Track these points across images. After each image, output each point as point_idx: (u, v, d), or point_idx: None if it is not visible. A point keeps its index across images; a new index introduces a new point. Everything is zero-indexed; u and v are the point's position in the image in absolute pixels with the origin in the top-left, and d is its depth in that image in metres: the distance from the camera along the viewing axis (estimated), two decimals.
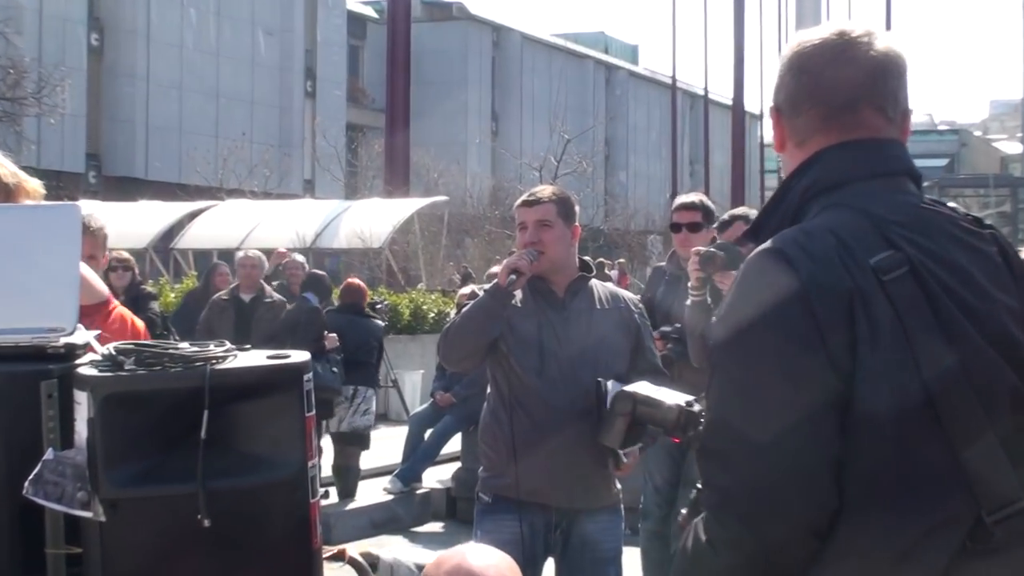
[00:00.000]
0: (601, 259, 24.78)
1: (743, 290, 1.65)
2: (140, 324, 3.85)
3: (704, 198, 5.24)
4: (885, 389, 1.57)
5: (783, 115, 1.78)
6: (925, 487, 1.56)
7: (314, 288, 8.84)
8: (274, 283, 10.20)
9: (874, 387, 1.57)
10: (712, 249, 4.31)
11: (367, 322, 8.92)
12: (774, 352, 1.59)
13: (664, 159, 48.79)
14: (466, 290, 8.38)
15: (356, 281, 9.48)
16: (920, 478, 1.56)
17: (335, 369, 8.32)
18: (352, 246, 18.64)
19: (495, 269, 9.21)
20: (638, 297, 4.11)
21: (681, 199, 5.22)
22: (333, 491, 8.69)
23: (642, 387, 2.02)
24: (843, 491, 1.56)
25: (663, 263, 5.58)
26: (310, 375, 2.12)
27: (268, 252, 10.87)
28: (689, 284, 4.41)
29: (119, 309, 3.83)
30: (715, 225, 4.99)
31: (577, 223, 3.87)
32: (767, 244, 1.66)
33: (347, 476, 8.72)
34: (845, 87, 1.72)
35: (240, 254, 8.88)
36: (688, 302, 4.46)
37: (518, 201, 3.88)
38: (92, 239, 3.88)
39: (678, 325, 4.97)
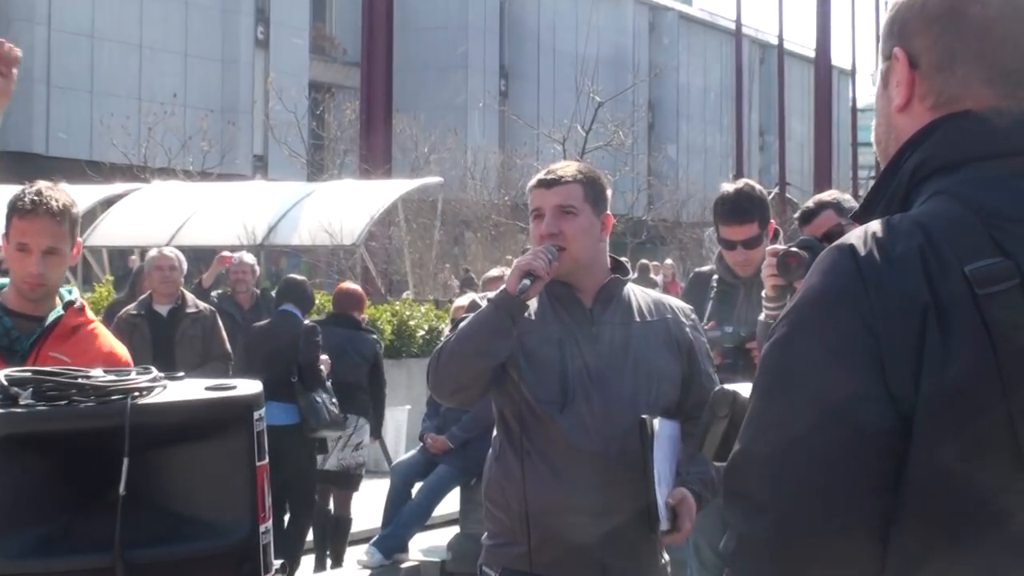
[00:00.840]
0: (645, 260, 24.78)
1: (801, 293, 1.71)
2: (123, 353, 3.74)
3: (754, 188, 5.21)
4: (954, 439, 1.57)
5: (920, 68, 1.79)
6: (998, 565, 1.57)
7: (295, 298, 8.94)
8: (215, 292, 10.24)
9: (940, 434, 1.57)
10: (794, 248, 4.28)
11: (360, 337, 9.19)
12: (813, 375, 1.63)
13: (726, 128, 48.78)
14: (465, 300, 8.38)
15: (352, 286, 9.73)
16: (994, 556, 1.57)
17: (334, 400, 8.65)
18: (317, 243, 18.66)
19: (495, 272, 9.28)
20: (689, 306, 4.11)
21: (727, 202, 5.14)
22: (310, 560, 8.74)
23: (741, 387, 2.11)
24: (887, 558, 1.59)
25: (706, 267, 5.58)
26: (262, 411, 2.13)
27: (208, 251, 10.89)
28: (763, 294, 4.40)
29: (97, 328, 3.72)
30: (796, 215, 4.99)
31: (610, 211, 3.87)
32: (844, 238, 1.71)
33: (336, 530, 8.92)
34: (1022, 45, 1.75)
35: (152, 252, 8.89)
36: (761, 317, 4.45)
37: (532, 181, 3.88)
38: (66, 223, 3.57)
39: (728, 331, 5.01)
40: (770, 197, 5.48)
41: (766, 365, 1.70)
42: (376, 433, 9.41)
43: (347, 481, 9.05)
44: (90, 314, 3.73)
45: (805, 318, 1.67)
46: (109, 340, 3.72)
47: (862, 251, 1.66)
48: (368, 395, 9.22)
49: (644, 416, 3.64)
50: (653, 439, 3.62)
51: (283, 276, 22.92)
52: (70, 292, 3.73)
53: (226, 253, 10.42)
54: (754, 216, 5.10)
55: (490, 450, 3.88)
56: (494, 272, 8.92)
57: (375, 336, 9.63)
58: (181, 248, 9.52)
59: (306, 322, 8.88)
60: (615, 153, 27.84)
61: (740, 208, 5.11)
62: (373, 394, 9.27)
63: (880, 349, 1.60)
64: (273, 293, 10.42)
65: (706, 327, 5.04)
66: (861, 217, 1.78)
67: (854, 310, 1.63)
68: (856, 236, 1.68)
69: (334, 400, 8.64)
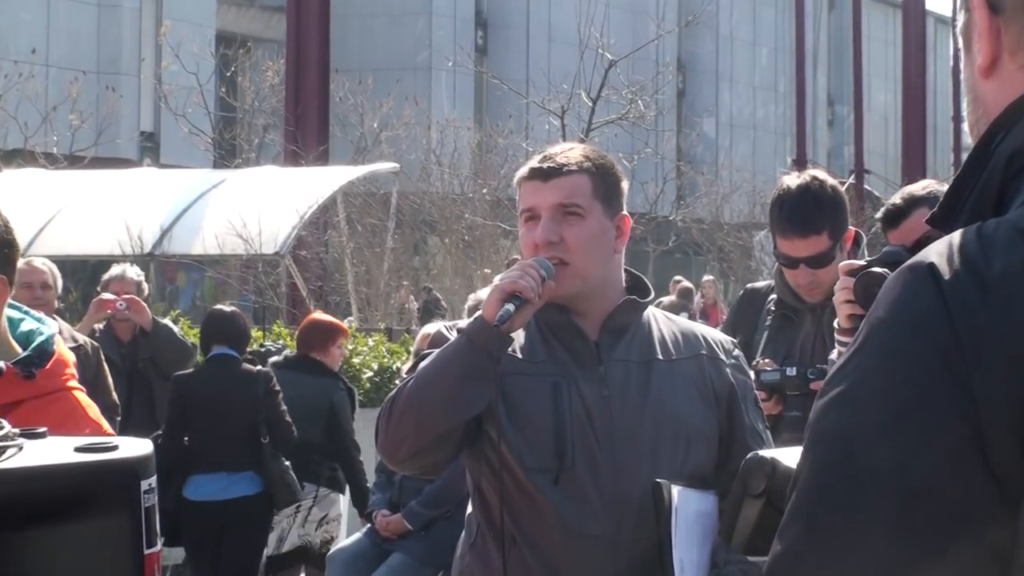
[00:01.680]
0: (683, 280, 24.69)
1: (863, 333, 1.67)
2: (102, 423, 3.56)
3: (824, 184, 5.17)
4: None
5: (1005, 11, 1.75)
6: None
7: (229, 337, 9.24)
8: (97, 327, 10.23)
9: None
10: (875, 269, 4.30)
11: (325, 383, 9.59)
12: (883, 450, 1.61)
13: (783, 95, 48.87)
14: (431, 328, 8.40)
15: (323, 318, 10.25)
16: None
17: (287, 462, 9.05)
18: (227, 252, 18.63)
19: (484, 293, 9.28)
20: (730, 338, 4.12)
21: (786, 205, 5.13)
22: None
23: (783, 453, 2.09)
24: None
25: (762, 282, 5.60)
26: (152, 481, 2.14)
27: (78, 263, 10.83)
28: (835, 324, 4.42)
29: (67, 397, 3.44)
30: (878, 216, 5.00)
31: (625, 210, 3.89)
32: (919, 255, 1.67)
33: None
34: None
35: (20, 263, 8.91)
36: (833, 355, 4.47)
37: (523, 171, 3.90)
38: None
39: (791, 372, 5.02)
40: (843, 190, 5.47)
41: (818, 433, 1.67)
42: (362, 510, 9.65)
43: (307, 559, 9.54)
44: (67, 377, 3.45)
45: (869, 368, 1.65)
46: (81, 411, 3.43)
47: (945, 272, 1.63)
48: (328, 458, 9.55)
49: (659, 480, 3.64)
50: (673, 513, 3.62)
51: (175, 293, 22.75)
52: (39, 340, 3.45)
53: (107, 296, 10.21)
54: (823, 224, 5.08)
55: (463, 533, 3.89)
56: (482, 294, 8.99)
57: (339, 382, 9.83)
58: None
59: (259, 367, 9.20)
60: (633, 130, 27.88)
61: (803, 214, 5.08)
62: (340, 459, 9.56)
63: (976, 410, 1.58)
64: (166, 321, 10.44)
65: (761, 364, 5.05)
66: (943, 222, 1.75)
67: (937, 356, 1.60)
68: (937, 252, 1.65)
69: (286, 461, 9.02)
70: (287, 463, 8.94)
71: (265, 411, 8.86)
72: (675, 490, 3.65)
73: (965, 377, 1.59)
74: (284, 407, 8.93)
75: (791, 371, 5.08)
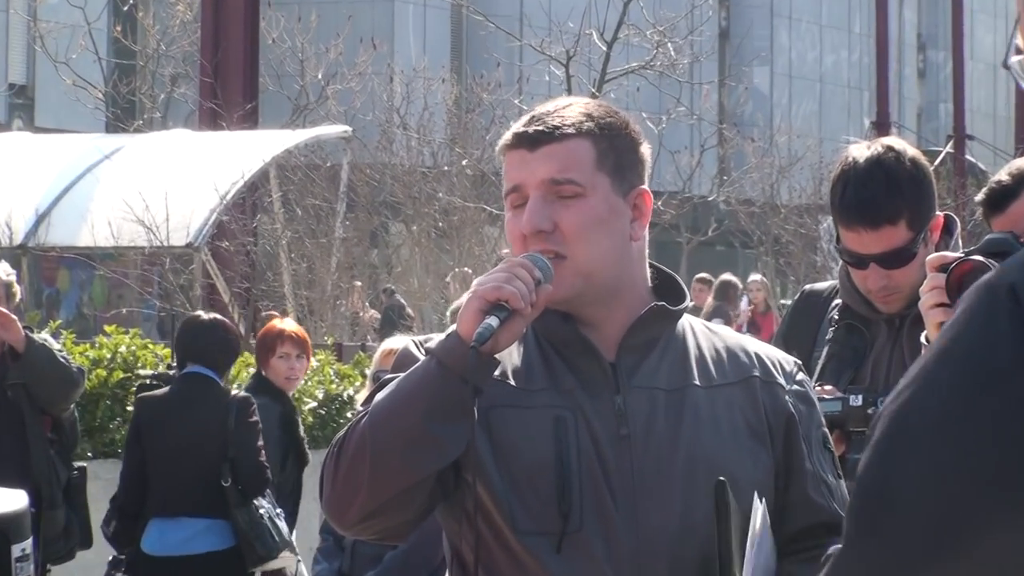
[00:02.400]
0: (706, 275, 24.71)
1: (923, 366, 1.70)
2: None
3: (902, 157, 5.16)
4: None
5: None
6: None
7: (207, 354, 9.52)
8: None
9: None
10: (976, 257, 4.29)
11: (283, 410, 9.99)
12: (943, 517, 1.65)
13: (859, 39, 48.92)
14: (395, 343, 8.41)
15: (288, 329, 10.43)
16: None
17: (279, 510, 9.45)
18: (125, 243, 18.64)
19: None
20: (794, 358, 4.13)
21: (851, 186, 5.14)
22: None
23: None
24: None
25: (824, 284, 5.66)
26: (27, 545, 2.15)
27: None
28: (923, 339, 4.44)
29: None
30: (980, 197, 5.02)
31: (646, 185, 3.89)
32: (1000, 271, 1.69)
33: None
34: None
35: None
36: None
37: (506, 136, 3.88)
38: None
39: (855, 402, 5.06)
40: (936, 164, 5.48)
41: (863, 499, 1.72)
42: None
43: None
44: None
45: (929, 416, 1.67)
46: None
47: None
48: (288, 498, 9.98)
49: (722, 479, 3.66)
50: (754, 524, 3.64)
51: (56, 298, 22.83)
52: None
53: None
54: (899, 211, 5.10)
55: None
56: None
57: (275, 400, 10.05)
58: None
59: (234, 392, 9.51)
60: (660, 82, 27.88)
61: (873, 198, 5.11)
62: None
63: None
64: (43, 336, 10.42)
65: (819, 391, 5.06)
66: None
67: (1017, 417, 1.63)
68: (1018, 267, 1.68)
69: (279, 510, 9.33)
70: (265, 510, 9.17)
71: (235, 448, 9.06)
72: (760, 506, 3.65)
73: None
74: (259, 443, 9.16)
75: (856, 400, 5.09)
